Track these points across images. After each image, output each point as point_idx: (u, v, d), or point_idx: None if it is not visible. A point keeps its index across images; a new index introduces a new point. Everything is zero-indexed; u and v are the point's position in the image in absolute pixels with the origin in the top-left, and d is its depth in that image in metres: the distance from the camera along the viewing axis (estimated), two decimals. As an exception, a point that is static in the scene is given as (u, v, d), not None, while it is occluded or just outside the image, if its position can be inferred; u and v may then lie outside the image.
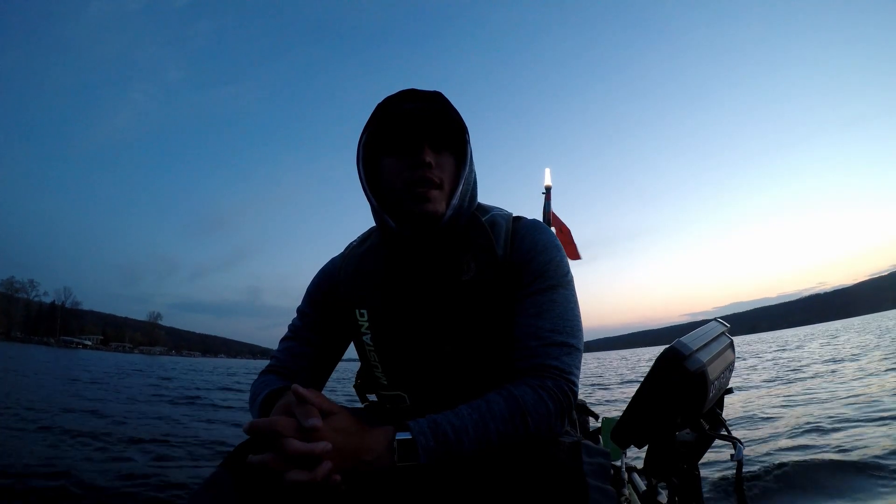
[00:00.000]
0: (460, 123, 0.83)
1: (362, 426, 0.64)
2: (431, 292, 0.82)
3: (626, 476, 1.30)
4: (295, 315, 0.96)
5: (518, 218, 0.90)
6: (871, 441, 3.49)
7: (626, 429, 0.87)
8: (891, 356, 10.25)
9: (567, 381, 0.73)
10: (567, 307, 0.79)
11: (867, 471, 2.88)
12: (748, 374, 10.49)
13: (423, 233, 0.82)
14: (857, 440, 3.59)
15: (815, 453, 3.33)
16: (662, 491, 1.01)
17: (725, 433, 0.93)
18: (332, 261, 0.97)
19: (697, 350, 0.82)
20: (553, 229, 2.64)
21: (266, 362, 0.95)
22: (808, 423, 4.49)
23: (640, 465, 1.39)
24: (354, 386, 1.04)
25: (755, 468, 3.07)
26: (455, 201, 0.81)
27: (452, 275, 0.81)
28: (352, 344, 0.95)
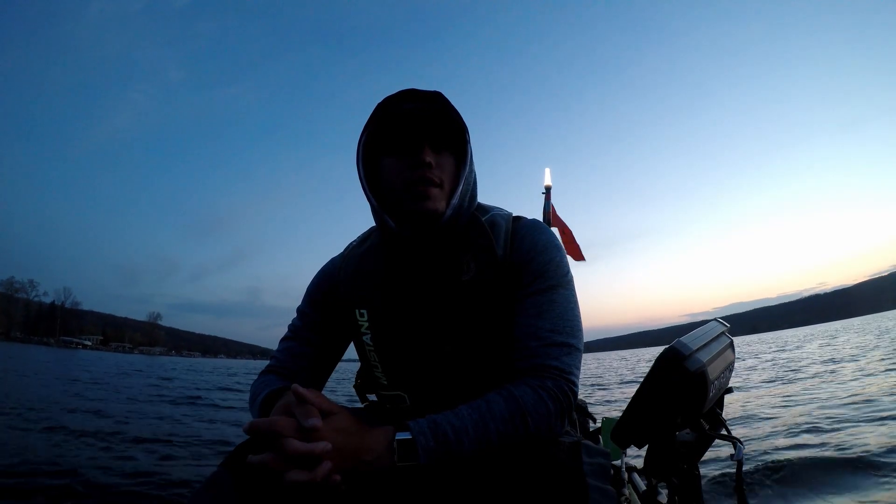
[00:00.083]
0: (460, 123, 0.83)
1: (362, 426, 0.64)
2: (431, 292, 0.82)
3: (626, 476, 1.30)
4: (295, 315, 0.96)
5: (518, 218, 0.90)
6: (870, 440, 3.51)
7: (626, 429, 0.87)
8: (888, 357, 10.25)
9: (567, 381, 0.73)
10: (567, 307, 0.79)
11: (865, 468, 2.91)
12: (748, 374, 10.50)
13: (422, 233, 0.82)
14: (855, 439, 3.61)
15: (815, 452, 3.34)
16: (662, 491, 1.01)
17: (725, 433, 0.93)
18: (332, 261, 0.97)
19: (697, 350, 0.82)
20: (556, 229, 2.62)
21: (266, 362, 0.95)
22: (806, 422, 4.50)
23: (640, 465, 1.39)
24: (354, 386, 1.04)
25: (755, 468, 3.07)
26: (455, 201, 0.81)
27: (452, 275, 0.81)
28: (352, 344, 0.95)
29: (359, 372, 1.01)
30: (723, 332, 0.96)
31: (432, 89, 0.83)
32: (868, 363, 9.68)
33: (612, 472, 0.70)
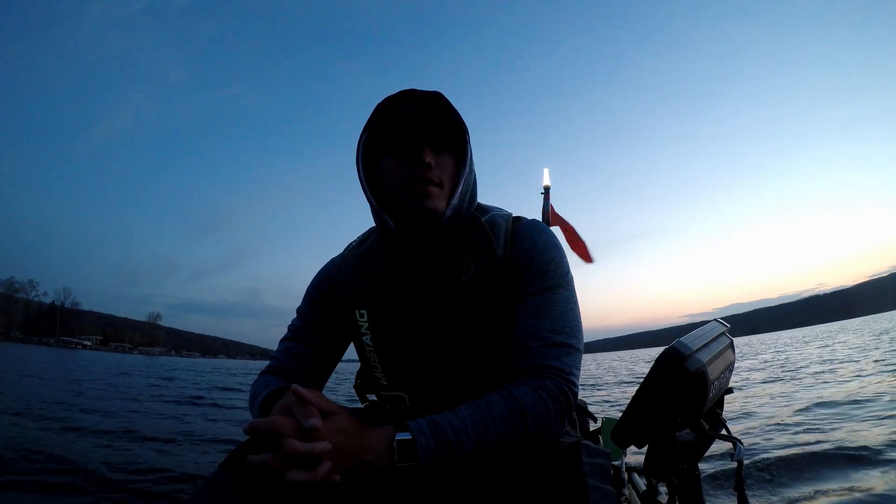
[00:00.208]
0: (460, 123, 0.83)
1: (362, 426, 0.64)
2: (431, 292, 0.82)
3: (626, 476, 1.30)
4: (295, 315, 0.96)
5: (518, 218, 0.90)
6: (870, 438, 3.55)
7: (626, 429, 0.87)
8: (885, 358, 10.28)
9: (567, 381, 0.72)
10: (567, 307, 0.79)
11: (864, 465, 2.95)
12: (747, 374, 10.52)
13: (422, 233, 0.82)
14: (853, 437, 3.64)
15: (813, 451, 3.36)
16: (662, 491, 1.01)
17: (725, 433, 0.93)
18: (332, 261, 0.97)
19: (697, 350, 0.82)
20: (559, 228, 2.60)
21: (266, 363, 0.95)
22: (806, 421, 4.52)
23: (640, 465, 1.39)
24: (354, 386, 1.04)
25: (754, 467, 3.09)
26: (455, 201, 0.81)
27: (452, 275, 0.81)
28: (352, 344, 0.95)
29: (359, 372, 1.01)
30: (723, 333, 0.96)
31: (432, 89, 0.83)
32: (866, 363, 9.70)
33: (612, 472, 0.70)
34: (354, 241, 0.98)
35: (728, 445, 0.90)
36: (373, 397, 0.98)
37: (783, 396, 6.51)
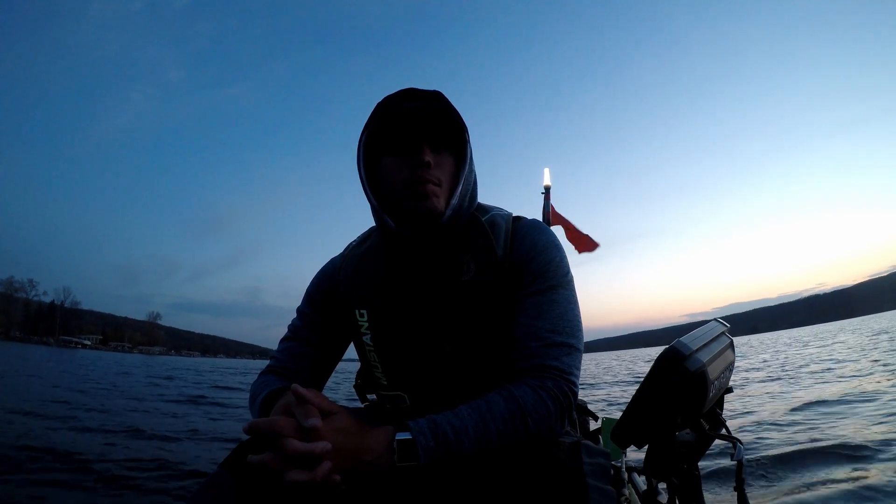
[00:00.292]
0: (460, 123, 0.83)
1: (362, 426, 0.64)
2: (431, 292, 0.82)
3: (626, 476, 1.30)
4: (295, 315, 0.96)
5: (518, 218, 0.89)
6: (868, 436, 3.58)
7: (626, 429, 0.87)
8: (882, 358, 10.30)
9: (567, 381, 0.72)
10: (567, 307, 0.79)
11: (861, 462, 2.99)
12: (746, 374, 10.53)
13: (422, 232, 0.82)
14: (852, 436, 3.66)
15: (810, 449, 3.38)
16: (662, 491, 1.01)
17: (725, 433, 0.93)
18: (332, 261, 0.97)
19: (697, 350, 0.82)
20: (560, 227, 2.59)
21: (266, 362, 0.95)
22: (804, 421, 4.53)
23: (640, 465, 1.39)
24: (354, 386, 1.04)
25: (755, 464, 3.12)
26: (455, 201, 0.81)
27: (452, 275, 0.81)
28: (352, 344, 0.95)
29: (359, 372, 1.01)
30: (723, 333, 0.96)
31: (432, 89, 0.83)
32: (865, 363, 9.72)
33: (612, 472, 0.70)
34: (354, 240, 0.98)
35: (728, 444, 0.90)
36: (373, 397, 0.98)
37: (781, 395, 6.52)
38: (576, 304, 0.81)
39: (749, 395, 6.77)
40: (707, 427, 0.92)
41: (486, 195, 0.92)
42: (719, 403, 0.98)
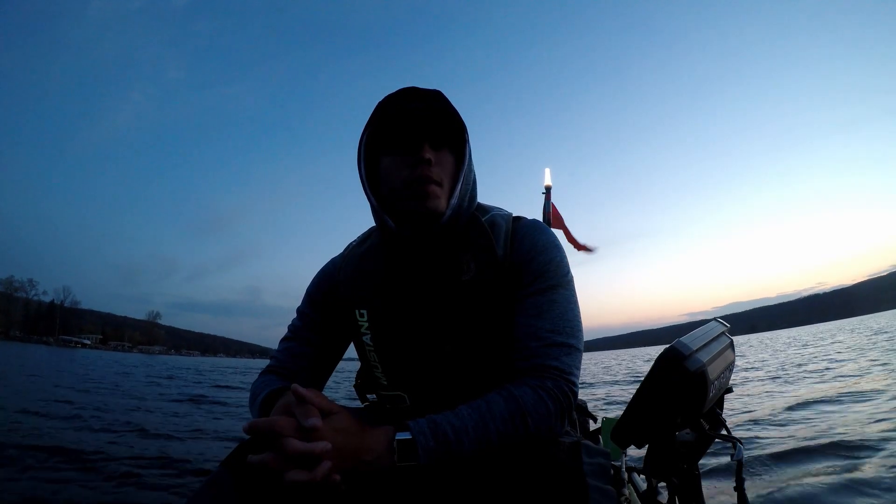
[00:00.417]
0: (460, 122, 0.83)
1: (362, 426, 0.64)
2: (431, 292, 0.81)
3: (626, 476, 1.30)
4: (295, 315, 0.96)
5: (518, 218, 0.89)
6: (865, 434, 3.61)
7: (626, 429, 0.87)
8: (880, 357, 10.33)
9: (567, 381, 0.72)
10: (567, 307, 0.79)
11: (859, 460, 3.02)
12: (745, 373, 10.54)
13: (422, 232, 0.82)
14: (849, 433, 3.69)
15: (812, 449, 3.39)
16: (662, 491, 1.01)
17: (725, 433, 0.93)
18: (332, 261, 0.96)
19: (697, 350, 0.82)
20: (561, 231, 2.59)
21: (266, 362, 0.95)
22: (802, 419, 4.54)
23: (640, 465, 1.39)
24: (354, 386, 1.04)
25: (754, 466, 3.13)
26: (455, 201, 0.81)
27: (452, 275, 0.81)
28: (352, 344, 0.95)
29: (359, 372, 1.01)
30: (723, 332, 0.96)
31: (432, 88, 0.83)
32: (864, 362, 9.74)
33: (612, 472, 0.70)
34: (354, 240, 0.98)
35: (727, 444, 0.90)
36: (373, 397, 0.97)
37: (780, 394, 6.54)
38: (576, 304, 0.81)
39: (748, 395, 6.79)
40: (707, 427, 0.92)
41: (486, 195, 0.92)
42: (719, 403, 0.98)
